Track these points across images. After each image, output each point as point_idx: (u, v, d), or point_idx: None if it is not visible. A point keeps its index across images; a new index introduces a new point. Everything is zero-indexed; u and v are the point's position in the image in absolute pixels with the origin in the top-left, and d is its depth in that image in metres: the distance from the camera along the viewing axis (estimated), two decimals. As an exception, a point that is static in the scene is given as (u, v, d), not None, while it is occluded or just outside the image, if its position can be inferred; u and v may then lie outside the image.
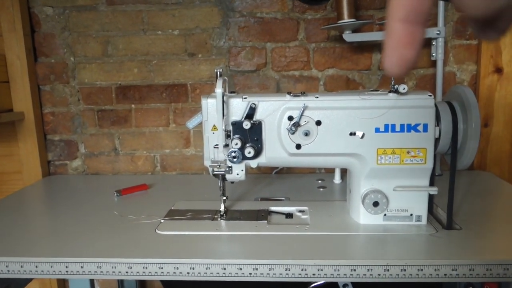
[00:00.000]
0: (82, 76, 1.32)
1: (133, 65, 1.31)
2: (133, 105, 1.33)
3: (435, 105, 0.84)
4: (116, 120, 1.34)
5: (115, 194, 1.12)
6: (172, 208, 1.01)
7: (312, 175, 1.29)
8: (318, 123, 0.85)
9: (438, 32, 1.15)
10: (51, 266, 0.77)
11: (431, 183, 0.87)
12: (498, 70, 1.24)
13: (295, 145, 0.86)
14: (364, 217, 0.88)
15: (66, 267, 0.77)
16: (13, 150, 1.33)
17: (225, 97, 0.86)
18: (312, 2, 0.53)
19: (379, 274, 0.73)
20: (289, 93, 0.87)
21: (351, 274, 0.74)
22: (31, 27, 1.29)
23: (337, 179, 1.20)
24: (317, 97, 0.86)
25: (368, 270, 0.73)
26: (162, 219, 0.94)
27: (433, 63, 1.24)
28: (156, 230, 0.88)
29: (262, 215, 0.95)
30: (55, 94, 1.33)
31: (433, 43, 1.19)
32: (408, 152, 0.84)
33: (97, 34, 1.29)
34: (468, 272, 0.72)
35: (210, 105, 0.88)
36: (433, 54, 1.19)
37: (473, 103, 0.82)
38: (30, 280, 0.95)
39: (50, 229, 0.92)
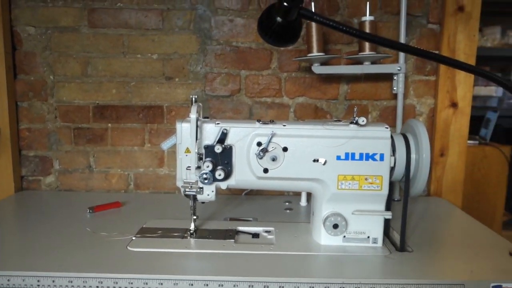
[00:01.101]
0: (60, 94, 1.35)
1: (111, 86, 1.35)
2: (109, 124, 1.37)
3: (391, 136, 0.92)
4: (92, 138, 1.38)
5: (88, 211, 1.15)
6: (144, 226, 1.05)
7: (280, 197, 1.35)
8: (285, 149, 0.92)
9: (399, 68, 1.25)
10: (23, 280, 0.80)
11: (387, 208, 0.95)
12: (454, 105, 1.34)
13: (262, 169, 0.92)
14: (325, 238, 0.95)
15: (38, 281, 0.80)
16: (-14, 164, 1.34)
17: (198, 122, 0.92)
18: (276, 43, 0.60)
19: (335, 292, 0.79)
20: (258, 120, 0.94)
21: (309, 292, 0.80)
22: (12, 45, 1.32)
23: (303, 201, 1.27)
24: (285, 125, 0.93)
25: (325, 288, 0.79)
26: (134, 237, 0.98)
27: (394, 96, 1.33)
28: (128, 247, 0.92)
29: (230, 234, 1.00)
30: (33, 110, 1.36)
31: (395, 78, 1.28)
32: (366, 179, 0.91)
33: (77, 54, 1.34)
34: (415, 291, 0.79)
35: (185, 129, 0.94)
36: (394, 88, 1.29)
37: (425, 136, 0.91)
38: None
39: (22, 243, 0.94)
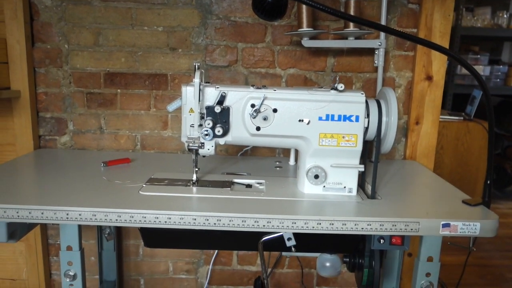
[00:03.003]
0: (74, 62, 1.49)
1: (121, 55, 1.49)
2: (119, 90, 1.52)
3: (366, 101, 1.07)
4: (103, 103, 1.53)
5: (102, 165, 1.31)
6: (152, 177, 1.21)
7: (272, 157, 1.52)
8: (275, 110, 1.07)
9: (379, 43, 1.39)
10: (55, 213, 0.96)
11: (361, 163, 1.11)
12: (429, 78, 1.50)
13: (255, 127, 1.08)
14: (307, 187, 1.11)
15: (67, 214, 0.96)
16: (8, 124, 1.49)
17: (201, 86, 1.07)
18: (266, 18, 0.74)
19: (313, 227, 0.96)
20: (252, 85, 1.09)
21: (292, 226, 0.96)
22: (30, 16, 1.45)
23: (292, 161, 1.43)
24: (275, 90, 1.08)
25: (305, 223, 0.96)
26: (144, 184, 1.14)
27: (377, 69, 1.48)
28: (140, 192, 1.08)
29: (227, 184, 1.17)
30: (49, 76, 1.50)
31: (376, 52, 1.43)
32: (343, 137, 1.07)
33: (90, 25, 1.47)
34: (379, 227, 0.96)
35: (189, 92, 1.09)
36: (376, 62, 1.44)
37: (394, 101, 1.06)
38: (34, 225, 1.12)
39: (48, 187, 1.10)
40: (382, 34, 1.41)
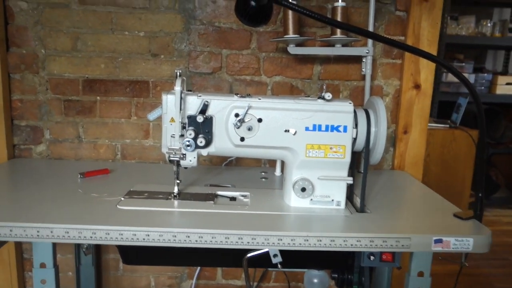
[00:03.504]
0: (51, 67, 1.43)
1: (100, 61, 1.43)
2: (98, 97, 1.46)
3: (354, 111, 1.04)
4: (81, 110, 1.46)
5: (79, 176, 1.24)
6: (131, 189, 1.15)
7: (257, 168, 1.47)
8: (260, 120, 1.03)
9: (367, 51, 1.36)
10: (24, 230, 0.90)
11: (350, 175, 1.07)
12: (417, 87, 1.47)
13: (239, 137, 1.03)
14: (294, 201, 1.07)
15: (38, 231, 0.90)
16: (-20, 132, 1.42)
17: (182, 94, 1.02)
18: (250, 24, 0.70)
19: (300, 243, 0.92)
20: (236, 94, 1.04)
21: (278, 243, 0.92)
22: (5, 19, 1.39)
23: (278, 171, 1.38)
24: (260, 99, 1.04)
25: (291, 240, 0.91)
26: (122, 197, 1.08)
27: (364, 77, 1.45)
28: (117, 206, 1.02)
29: (210, 197, 1.11)
30: (25, 82, 1.43)
31: (364, 60, 1.40)
32: (330, 148, 1.03)
33: (67, 30, 1.41)
34: (369, 243, 0.92)
35: (170, 100, 1.03)
36: (363, 70, 1.41)
37: (383, 111, 1.03)
38: (3, 243, 1.05)
39: (19, 201, 1.04)
40: (370, 42, 1.38)
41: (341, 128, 1.03)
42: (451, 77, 3.62)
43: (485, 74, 3.78)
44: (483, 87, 3.81)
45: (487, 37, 3.68)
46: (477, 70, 3.88)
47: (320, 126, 1.03)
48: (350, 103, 1.03)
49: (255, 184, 1.27)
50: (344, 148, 1.03)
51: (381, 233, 0.93)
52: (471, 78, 3.73)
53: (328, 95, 1.00)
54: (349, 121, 1.02)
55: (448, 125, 2.68)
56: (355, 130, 1.04)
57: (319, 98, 1.03)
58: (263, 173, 1.40)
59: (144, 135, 1.49)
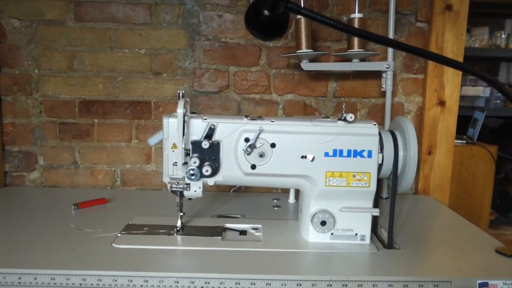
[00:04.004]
0: (46, 88, 1.33)
1: (98, 81, 1.33)
2: (96, 120, 1.35)
3: (379, 133, 0.92)
4: (77, 134, 1.36)
5: (73, 207, 1.13)
6: (130, 223, 1.03)
7: (269, 194, 1.34)
8: (273, 145, 0.91)
9: (387, 66, 1.25)
10: (4, 277, 0.78)
11: (375, 205, 0.94)
12: (441, 103, 1.35)
13: (250, 165, 0.92)
14: (312, 236, 0.94)
15: (19, 278, 0.78)
16: (-32, 159, 1.31)
17: (186, 117, 0.91)
18: (263, 37, 0.59)
19: (322, 289, 0.79)
20: (246, 116, 0.93)
21: (296, 289, 0.79)
22: (-4, 38, 1.30)
23: (291, 199, 1.26)
24: (273, 121, 0.92)
25: (312, 285, 0.79)
26: (119, 233, 0.96)
27: (383, 94, 1.34)
28: (113, 244, 0.90)
29: (217, 231, 0.99)
30: (17, 105, 1.33)
31: (383, 75, 1.28)
32: (353, 176, 0.91)
33: (63, 48, 1.31)
34: (402, 288, 0.79)
35: (171, 124, 0.92)
36: (383, 86, 1.29)
37: (412, 133, 0.91)
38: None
39: (3, 240, 0.92)
40: (390, 56, 1.26)
41: (365, 153, 0.90)
42: (465, 91, 3.50)
43: (502, 88, 3.65)
44: (498, 101, 3.68)
45: (501, 48, 3.56)
46: (491, 83, 3.75)
47: (341, 151, 0.91)
48: (375, 124, 0.91)
49: (267, 214, 1.15)
50: (368, 175, 0.91)
51: (416, 275, 0.80)
52: (486, 92, 3.60)
53: (350, 116, 0.89)
54: (374, 145, 0.90)
55: (465, 141, 2.56)
56: (380, 155, 0.92)
57: (339, 119, 0.92)
58: (275, 201, 1.27)
59: (145, 160, 1.38)
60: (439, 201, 1.34)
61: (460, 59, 1.33)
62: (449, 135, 1.37)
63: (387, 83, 1.28)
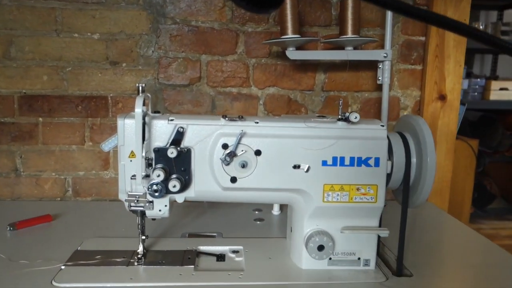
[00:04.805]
0: (-24, 81, 1.09)
1: (42, 71, 1.11)
2: (40, 119, 1.13)
3: (387, 137, 0.75)
4: (18, 135, 1.13)
5: (8, 228, 0.91)
6: (79, 249, 0.83)
7: (249, 204, 1.15)
8: (258, 153, 0.73)
9: (385, 54, 1.08)
10: None
11: (380, 223, 0.78)
12: (442, 97, 1.20)
13: (230, 178, 0.73)
14: (306, 262, 0.77)
15: None
16: None
17: (147, 118, 0.71)
18: (253, 8, 0.40)
19: None
20: (224, 116, 0.74)
21: None
22: None
23: (276, 210, 1.08)
24: (257, 123, 0.73)
25: (312, 334, 0.61)
26: (63, 265, 0.76)
27: (378, 87, 1.17)
28: (53, 282, 0.70)
29: (189, 257, 0.80)
30: None
31: (380, 66, 1.12)
32: (357, 189, 0.74)
33: (-3, 32, 1.08)
34: (424, 333, 0.63)
35: (128, 127, 0.72)
36: (379, 78, 1.12)
37: (428, 135, 0.74)
38: None
39: None
40: (388, 43, 1.09)
41: (371, 161, 0.73)
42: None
43: (478, 80, 3.58)
44: (476, 93, 3.61)
45: (489, 35, 3.49)
46: (468, 75, 3.69)
47: (342, 159, 0.73)
48: (383, 125, 0.74)
49: (248, 231, 0.97)
50: (375, 188, 0.74)
51: (439, 315, 0.64)
52: (465, 84, 3.53)
53: (355, 116, 0.71)
54: (382, 151, 0.73)
55: (446, 136, 2.45)
56: (389, 162, 0.75)
57: (339, 119, 0.74)
58: (256, 212, 1.09)
59: (102, 165, 1.17)
60: (439, 208, 1.19)
61: (463, 47, 1.18)
62: (450, 133, 1.22)
63: (384, 75, 1.10)
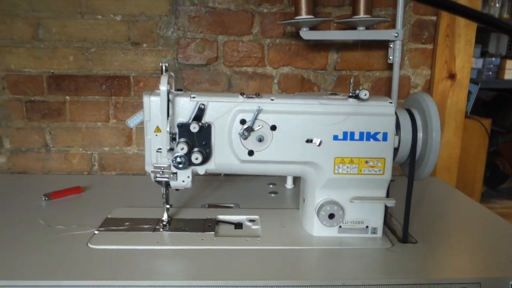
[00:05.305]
0: (8, 61, 1.16)
1: (68, 52, 1.17)
2: (67, 97, 1.20)
3: (395, 113, 0.79)
4: (47, 113, 1.20)
5: (43, 198, 0.99)
6: (109, 217, 0.90)
7: (263, 178, 1.22)
8: (273, 128, 0.78)
9: (396, 34, 1.11)
10: (-45, 290, 0.65)
11: (387, 194, 0.83)
12: (451, 76, 1.23)
13: (247, 151, 0.79)
14: (318, 229, 0.83)
15: (-26, 292, 0.65)
16: None
17: (170, 95, 0.77)
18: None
19: (334, 295, 0.68)
20: (242, 93, 0.79)
21: (305, 296, 0.68)
22: None
23: (289, 183, 1.14)
24: (273, 100, 0.79)
25: (324, 291, 0.68)
26: (96, 230, 0.83)
27: (389, 66, 1.21)
28: (89, 244, 0.78)
29: (209, 225, 0.87)
30: (-25, 81, 1.17)
31: (391, 45, 1.15)
32: (366, 162, 0.79)
33: (26, 14, 1.14)
34: (425, 292, 0.69)
35: (154, 104, 0.78)
36: (390, 57, 1.16)
37: (434, 112, 0.79)
38: None
39: (-42, 242, 0.79)
40: (399, 23, 1.12)
41: (379, 136, 0.78)
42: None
43: (493, 59, 3.55)
44: (490, 72, 3.59)
45: (494, 18, 3.45)
46: (483, 54, 3.65)
47: (352, 134, 0.78)
48: (391, 102, 0.79)
49: (263, 202, 1.03)
50: (383, 161, 0.79)
51: (441, 276, 0.70)
52: (479, 63, 3.50)
53: (364, 93, 0.76)
54: (390, 126, 0.78)
55: (459, 115, 2.46)
56: (397, 137, 0.80)
57: (350, 97, 0.79)
58: (271, 186, 1.15)
59: (126, 141, 1.24)
60: (446, 183, 1.24)
61: (474, 25, 1.20)
62: (459, 111, 1.26)
63: (395, 54, 1.14)
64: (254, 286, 0.67)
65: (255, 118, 0.77)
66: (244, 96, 0.79)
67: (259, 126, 0.78)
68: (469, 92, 2.69)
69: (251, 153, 0.79)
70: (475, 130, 2.62)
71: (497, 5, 3.49)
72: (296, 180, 1.15)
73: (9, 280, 0.66)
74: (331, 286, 0.68)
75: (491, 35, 4.19)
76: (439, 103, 1.24)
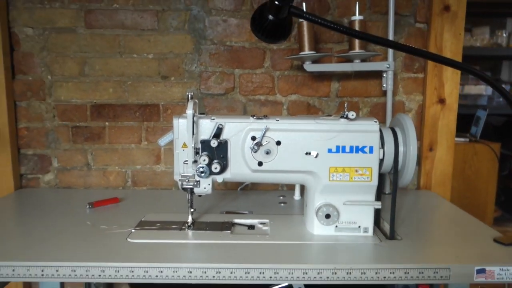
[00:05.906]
0: (58, 93, 1.38)
1: (108, 85, 1.39)
2: (107, 123, 1.40)
3: (380, 130, 0.96)
4: (90, 137, 1.41)
5: (87, 206, 1.18)
6: (143, 219, 1.08)
7: (275, 191, 1.39)
8: (278, 143, 0.96)
9: (387, 65, 1.29)
10: (28, 269, 0.83)
11: (377, 199, 0.99)
12: (441, 101, 1.39)
13: (257, 162, 0.96)
14: (317, 228, 0.99)
15: (42, 270, 0.83)
16: (-14, 163, 1.37)
17: (195, 118, 0.96)
18: (268, 40, 0.63)
19: (327, 277, 0.83)
20: (252, 115, 0.97)
21: (303, 277, 0.83)
22: (10, 46, 1.35)
23: (297, 195, 1.30)
24: (278, 120, 0.97)
25: (318, 273, 0.83)
26: (133, 229, 1.01)
27: (384, 93, 1.38)
28: (128, 239, 0.95)
29: (226, 226, 1.04)
30: (31, 110, 1.39)
31: (384, 75, 1.33)
32: (356, 171, 0.95)
33: (74, 54, 1.37)
34: (403, 275, 0.83)
35: (181, 125, 0.97)
36: (384, 85, 1.33)
37: (412, 129, 0.95)
38: (6, 283, 0.99)
39: (24, 236, 0.97)
40: (390, 56, 1.31)
41: (366, 149, 0.95)
42: (467, 90, 3.53)
43: (504, 86, 3.67)
44: (501, 99, 3.70)
45: (502, 47, 3.59)
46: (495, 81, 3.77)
47: (344, 147, 0.95)
48: (376, 121, 0.96)
49: (273, 210, 1.19)
50: (370, 170, 0.95)
51: (417, 264, 0.84)
52: (489, 89, 3.63)
53: (352, 114, 0.93)
54: (375, 141, 0.95)
55: (468, 139, 2.58)
56: (381, 150, 0.96)
57: (341, 117, 0.96)
58: (281, 197, 1.32)
59: (155, 161, 1.43)
60: (441, 196, 1.38)
61: (459, 58, 1.37)
62: (450, 132, 1.41)
63: (387, 83, 1.32)
64: (262, 268, 0.83)
65: (263, 135, 0.95)
66: (254, 117, 0.97)
67: (266, 141, 0.95)
68: (478, 118, 2.83)
69: (260, 164, 0.96)
70: (485, 154, 2.72)
71: (504, 35, 3.65)
72: (303, 192, 1.31)
73: (64, 261, 0.83)
74: (324, 269, 0.83)
75: (503, 63, 4.33)
76: (431, 125, 1.40)
